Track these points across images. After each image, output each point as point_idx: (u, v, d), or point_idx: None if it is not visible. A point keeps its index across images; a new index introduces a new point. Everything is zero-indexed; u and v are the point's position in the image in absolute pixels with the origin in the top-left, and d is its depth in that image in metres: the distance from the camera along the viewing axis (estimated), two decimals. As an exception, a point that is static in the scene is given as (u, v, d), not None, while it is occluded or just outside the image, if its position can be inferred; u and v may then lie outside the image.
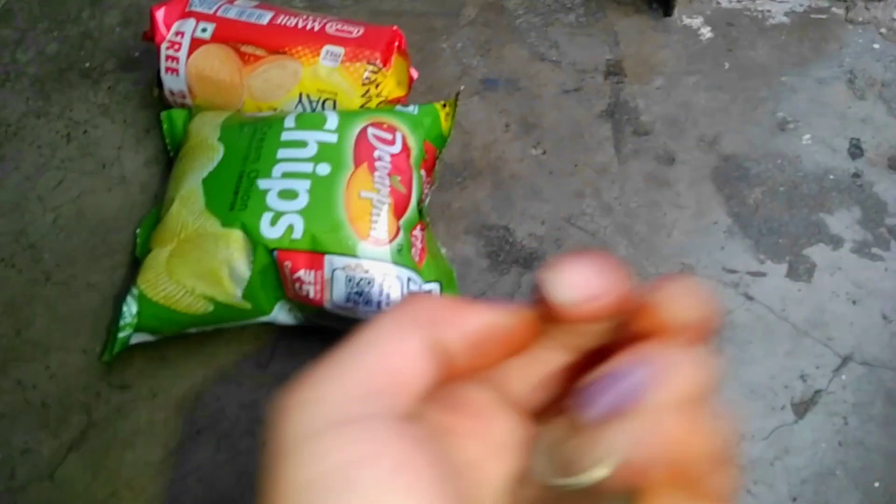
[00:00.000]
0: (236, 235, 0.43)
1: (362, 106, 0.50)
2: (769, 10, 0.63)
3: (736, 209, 0.52)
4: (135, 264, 0.50)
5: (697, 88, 0.59)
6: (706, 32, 0.62)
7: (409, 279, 0.44)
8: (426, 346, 0.17)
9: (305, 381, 0.16)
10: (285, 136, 0.46)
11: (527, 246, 0.51)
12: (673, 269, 0.50)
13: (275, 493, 0.15)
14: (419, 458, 0.16)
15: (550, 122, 0.57)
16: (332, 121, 0.47)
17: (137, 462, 0.44)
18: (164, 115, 0.54)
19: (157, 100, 0.56)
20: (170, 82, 0.52)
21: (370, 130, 0.47)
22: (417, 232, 0.47)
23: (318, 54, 0.50)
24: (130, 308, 0.44)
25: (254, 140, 0.47)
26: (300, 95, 0.50)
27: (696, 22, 0.63)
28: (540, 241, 0.51)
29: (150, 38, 0.52)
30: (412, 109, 0.50)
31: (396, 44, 0.51)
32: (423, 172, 0.49)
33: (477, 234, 0.52)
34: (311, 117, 0.48)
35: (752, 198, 0.53)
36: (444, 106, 0.52)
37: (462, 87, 0.58)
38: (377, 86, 0.50)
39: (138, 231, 0.51)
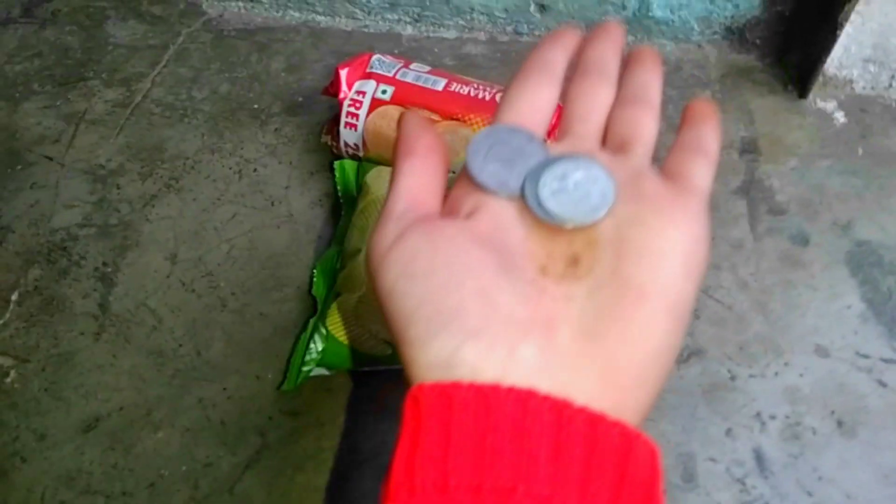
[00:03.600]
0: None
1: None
2: (903, 100, 0.66)
3: (869, 295, 0.55)
4: (304, 299, 0.55)
5: (831, 172, 0.61)
6: (840, 117, 0.65)
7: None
8: (432, 172, 0.27)
9: (374, 230, 0.26)
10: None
11: (666, 313, 0.55)
12: (807, 348, 0.53)
13: (381, 303, 0.24)
14: (445, 234, 0.25)
15: (687, 194, 0.61)
16: None
17: (308, 485, 0.48)
18: (336, 164, 0.59)
19: (324, 145, 0.61)
20: (347, 136, 0.57)
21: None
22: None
23: (488, 122, 0.54)
24: (317, 345, 0.48)
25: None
26: (468, 158, 0.54)
27: (830, 106, 0.66)
28: (679, 310, 0.55)
29: (332, 93, 0.57)
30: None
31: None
32: None
33: (618, 298, 0.55)
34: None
35: (885, 285, 0.55)
36: None
37: None
38: (539, 155, 0.54)
39: (315, 271, 0.55)
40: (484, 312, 0.23)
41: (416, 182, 0.27)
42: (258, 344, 0.54)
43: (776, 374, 0.51)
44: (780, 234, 0.58)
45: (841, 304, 0.55)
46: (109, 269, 0.58)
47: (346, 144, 0.58)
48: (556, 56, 0.30)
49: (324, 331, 0.49)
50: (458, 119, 0.54)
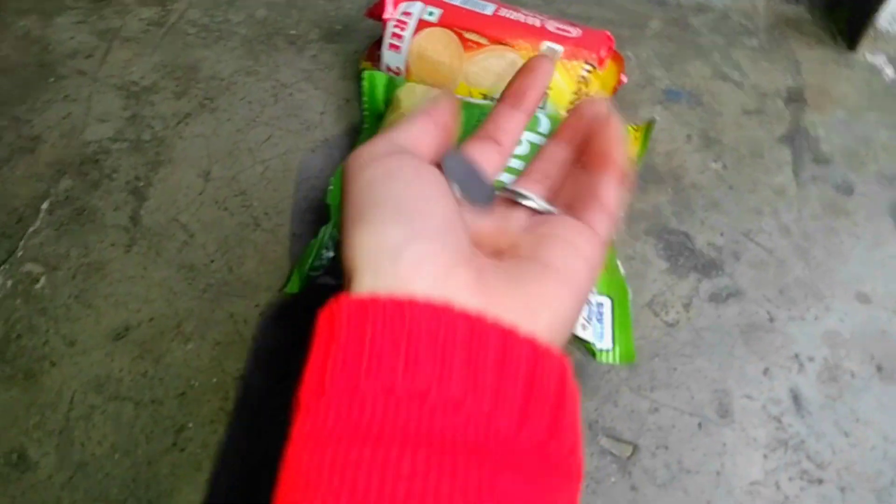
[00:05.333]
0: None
1: (572, 102, 0.53)
2: (954, 57, 0.64)
3: (913, 246, 0.54)
4: (314, 215, 0.55)
5: (878, 125, 0.60)
6: (890, 72, 0.63)
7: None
8: (431, 125, 0.31)
9: (363, 145, 0.28)
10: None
11: (706, 254, 0.54)
12: (848, 294, 0.52)
13: (349, 194, 0.26)
14: (430, 171, 0.28)
15: (731, 139, 0.60)
16: (545, 125, 0.50)
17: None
18: (365, 73, 0.57)
19: (359, 72, 0.60)
20: (390, 58, 0.56)
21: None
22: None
23: (538, 49, 0.53)
24: (330, 251, 0.48)
25: (468, 124, 0.50)
26: (512, 85, 0.53)
27: (880, 60, 0.64)
28: (719, 251, 0.54)
29: (375, 15, 0.56)
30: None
31: (609, 46, 0.54)
32: None
33: (657, 237, 0.55)
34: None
35: (930, 237, 0.54)
36: (639, 129, 0.54)
37: (657, 119, 0.61)
38: (588, 84, 0.53)
39: (332, 180, 0.55)
40: (444, 228, 0.26)
41: (424, 136, 0.30)
42: (290, 263, 0.53)
43: (816, 318, 0.51)
44: (825, 183, 0.57)
45: (884, 253, 0.54)
46: (141, 184, 0.57)
47: (388, 67, 0.57)
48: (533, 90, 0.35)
49: (337, 236, 0.48)
50: (505, 44, 0.53)
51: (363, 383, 0.22)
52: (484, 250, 0.28)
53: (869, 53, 0.64)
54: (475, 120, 0.49)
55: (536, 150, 0.48)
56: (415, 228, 0.25)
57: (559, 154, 0.33)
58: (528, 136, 0.49)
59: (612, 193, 0.30)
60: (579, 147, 0.33)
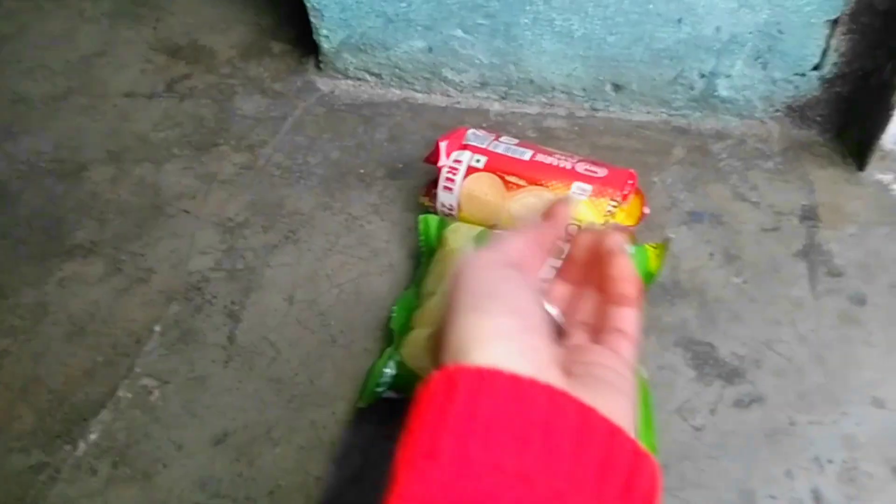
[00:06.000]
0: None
1: (601, 232, 0.61)
2: (958, 174, 0.70)
3: (925, 353, 0.59)
4: (386, 331, 0.63)
5: (888, 240, 0.66)
6: (896, 189, 0.70)
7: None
8: (536, 245, 0.35)
9: (481, 252, 0.32)
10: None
11: (729, 363, 0.60)
12: (864, 400, 0.57)
13: (465, 287, 0.30)
14: (533, 288, 0.32)
15: (750, 255, 0.67)
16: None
17: (405, 500, 0.55)
18: (421, 218, 0.68)
19: (421, 206, 0.70)
20: (444, 197, 0.66)
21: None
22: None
23: (570, 188, 0.62)
24: (391, 370, 0.56)
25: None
26: (549, 219, 0.62)
27: (888, 178, 0.71)
28: (741, 359, 0.60)
29: (433, 161, 0.66)
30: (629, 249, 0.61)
31: (631, 183, 0.63)
32: None
33: (685, 348, 0.61)
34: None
35: (940, 344, 0.59)
36: (656, 248, 0.62)
37: (673, 237, 0.68)
38: (614, 217, 0.62)
39: (394, 308, 0.64)
40: (547, 332, 0.29)
41: (528, 253, 0.35)
42: (362, 375, 0.62)
43: (834, 422, 0.56)
44: (839, 294, 0.63)
45: (897, 360, 0.59)
46: (236, 308, 0.68)
47: (443, 205, 0.66)
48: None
49: (398, 358, 0.56)
50: (541, 185, 0.62)
51: (475, 454, 0.23)
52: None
53: (878, 172, 0.71)
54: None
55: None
56: (526, 323, 0.28)
57: (573, 274, 0.39)
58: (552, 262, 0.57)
59: (632, 324, 0.36)
60: (590, 266, 0.38)
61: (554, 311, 0.37)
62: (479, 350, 0.26)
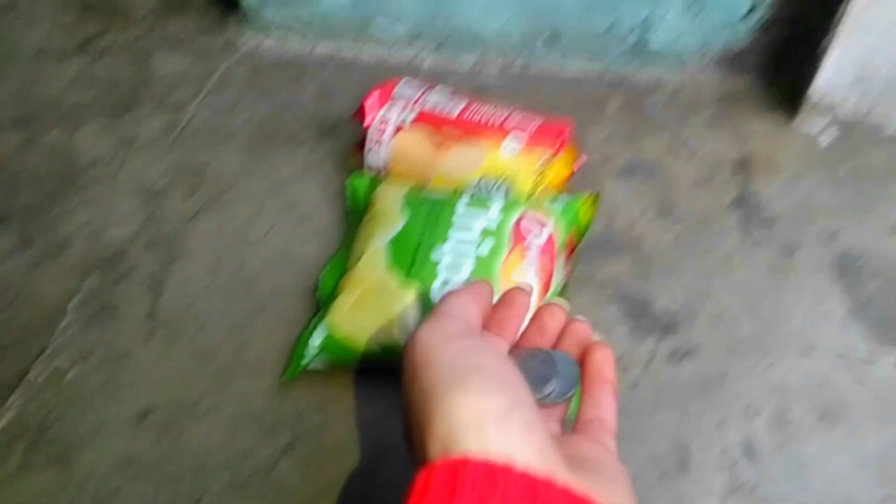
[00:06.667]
0: (410, 295, 0.53)
1: (532, 188, 0.60)
2: (883, 124, 0.71)
3: (852, 299, 0.60)
4: (311, 300, 0.61)
5: (817, 189, 0.66)
6: (825, 139, 0.70)
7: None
8: (478, 306, 0.35)
9: (429, 323, 0.31)
10: (456, 218, 0.56)
11: (663, 316, 0.60)
12: (793, 348, 0.57)
13: (434, 363, 0.28)
14: (500, 350, 0.32)
15: (684, 208, 0.66)
16: (496, 209, 0.56)
17: (337, 472, 0.53)
18: (347, 182, 0.65)
19: (351, 166, 0.68)
20: (372, 158, 0.63)
21: (523, 221, 0.56)
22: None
23: (501, 143, 0.60)
24: (315, 340, 0.54)
25: (430, 217, 0.57)
26: (480, 177, 0.60)
27: (817, 128, 0.71)
28: (675, 313, 0.60)
29: (359, 120, 0.63)
30: (560, 203, 0.59)
31: (564, 136, 0.61)
32: (563, 260, 0.58)
33: (619, 303, 0.61)
34: (478, 202, 0.57)
35: (866, 291, 0.60)
36: (586, 201, 0.61)
37: (600, 191, 0.67)
38: (546, 171, 0.60)
39: (323, 273, 0.62)
40: (536, 405, 0.27)
41: (478, 315, 0.34)
42: (292, 343, 0.60)
43: (764, 371, 0.56)
44: (770, 245, 0.63)
45: (825, 307, 0.59)
46: (158, 279, 0.64)
47: (370, 167, 0.64)
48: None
49: (323, 327, 0.54)
50: (472, 140, 0.60)
51: None
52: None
53: (808, 122, 0.71)
54: (449, 218, 0.56)
55: (487, 235, 0.54)
56: (518, 398, 0.26)
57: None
58: (480, 222, 0.55)
59: (612, 413, 0.35)
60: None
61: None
62: (476, 436, 0.24)
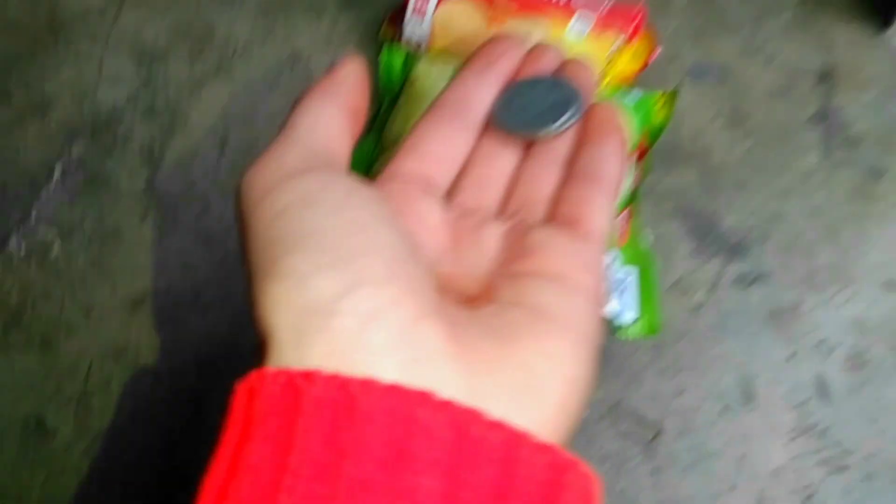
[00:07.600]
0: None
1: (600, 78, 0.52)
2: None
3: (942, 233, 0.53)
4: None
5: (910, 108, 0.59)
6: (922, 53, 0.62)
7: (613, 258, 0.47)
8: (344, 114, 0.24)
9: (260, 159, 0.23)
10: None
11: (732, 237, 0.53)
12: (875, 282, 0.51)
13: (253, 231, 0.20)
14: (362, 187, 0.21)
15: (759, 118, 0.58)
16: None
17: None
18: (381, 56, 0.56)
19: (382, 39, 0.59)
20: (411, 30, 0.54)
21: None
22: (625, 214, 0.50)
23: (568, 21, 0.51)
24: None
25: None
26: (540, 58, 0.52)
27: (913, 40, 0.63)
28: (745, 233, 0.53)
29: (400, -18, 0.54)
30: (632, 98, 0.52)
31: (639, 21, 0.53)
32: (632, 162, 0.51)
33: (683, 218, 0.54)
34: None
35: (959, 224, 0.54)
36: (661, 98, 0.53)
37: (678, 88, 0.59)
38: (616, 60, 0.52)
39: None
40: (397, 268, 0.18)
41: (339, 132, 0.23)
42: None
43: (842, 304, 0.50)
44: (855, 166, 0.56)
45: (913, 239, 0.53)
46: (156, 151, 0.56)
47: (411, 38, 0.55)
48: (479, 94, 0.31)
49: None
50: (534, 14, 0.52)
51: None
52: (449, 296, 0.21)
53: (902, 33, 0.63)
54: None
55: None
56: (356, 272, 0.18)
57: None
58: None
59: (612, 168, 0.26)
60: None
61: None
62: (285, 342, 0.18)
